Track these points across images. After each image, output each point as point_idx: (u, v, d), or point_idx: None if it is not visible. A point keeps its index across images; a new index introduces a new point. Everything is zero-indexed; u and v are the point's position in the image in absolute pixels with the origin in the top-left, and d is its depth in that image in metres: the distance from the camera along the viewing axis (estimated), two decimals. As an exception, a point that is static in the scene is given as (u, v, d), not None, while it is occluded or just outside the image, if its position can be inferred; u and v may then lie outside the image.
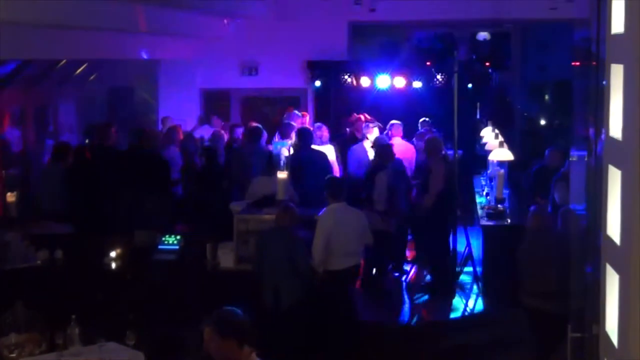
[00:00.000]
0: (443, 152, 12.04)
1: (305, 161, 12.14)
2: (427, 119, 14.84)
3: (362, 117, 14.54)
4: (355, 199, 11.06)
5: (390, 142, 12.76)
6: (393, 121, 13.94)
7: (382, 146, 11.98)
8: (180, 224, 11.75)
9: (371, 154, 12.76)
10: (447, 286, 11.46)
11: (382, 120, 14.61)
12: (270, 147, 13.30)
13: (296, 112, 15.35)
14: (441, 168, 11.50)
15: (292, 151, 12.64)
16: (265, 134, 13.49)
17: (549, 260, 8.29)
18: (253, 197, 10.61)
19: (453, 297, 11.35)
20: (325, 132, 13.73)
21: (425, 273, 12.06)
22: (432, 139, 12.02)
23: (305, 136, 12.48)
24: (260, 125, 13.48)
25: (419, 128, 14.55)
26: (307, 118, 15.16)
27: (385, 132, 13.71)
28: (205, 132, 15.30)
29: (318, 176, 11.69)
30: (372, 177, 11.37)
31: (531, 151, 17.12)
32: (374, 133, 13.29)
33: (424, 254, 12.23)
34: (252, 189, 10.87)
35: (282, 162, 11.14)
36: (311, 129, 13.44)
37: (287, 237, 8.77)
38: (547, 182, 11.03)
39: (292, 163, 12.13)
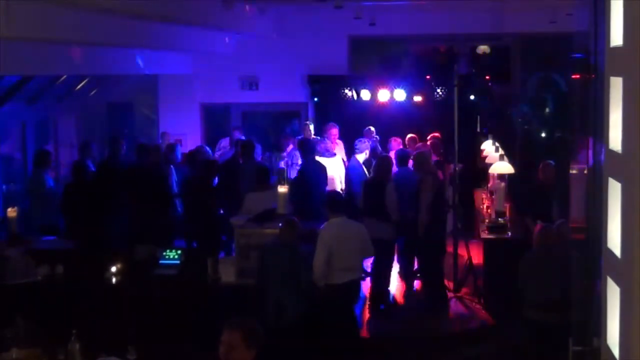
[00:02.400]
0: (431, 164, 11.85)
1: (307, 173, 12.17)
2: (436, 135, 14.67)
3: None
4: (355, 212, 11.07)
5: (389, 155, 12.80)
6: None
7: (382, 157, 11.93)
8: (180, 239, 11.79)
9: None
10: (440, 300, 11.43)
11: (383, 133, 14.63)
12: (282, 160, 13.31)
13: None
14: (428, 182, 11.39)
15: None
16: (258, 148, 13.49)
17: (551, 273, 8.30)
18: (248, 213, 10.57)
19: (447, 310, 11.31)
20: (331, 144, 13.68)
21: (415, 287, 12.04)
22: (419, 153, 11.89)
23: (306, 148, 12.50)
24: (251, 139, 13.48)
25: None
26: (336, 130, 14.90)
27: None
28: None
29: (317, 188, 11.75)
30: (378, 188, 11.25)
31: (532, 164, 17.11)
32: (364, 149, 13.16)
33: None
34: (246, 205, 10.85)
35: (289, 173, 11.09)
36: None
37: (289, 251, 8.77)
38: (542, 198, 11.00)
39: (295, 175, 12.19)
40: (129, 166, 12.73)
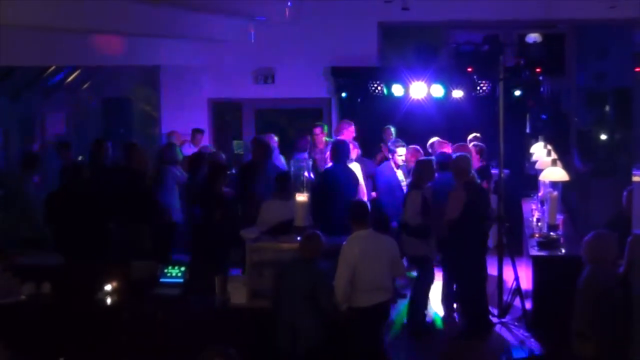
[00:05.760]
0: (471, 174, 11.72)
1: (335, 179, 12.18)
2: (477, 135, 14.61)
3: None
4: (384, 226, 11.08)
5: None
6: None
7: (419, 162, 11.89)
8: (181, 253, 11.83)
9: (399, 175, 12.80)
10: (483, 326, 11.38)
11: (418, 135, 14.57)
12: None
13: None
14: (460, 194, 11.25)
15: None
16: (275, 149, 13.51)
17: (587, 296, 8.05)
18: (265, 224, 10.60)
19: (490, 338, 11.28)
20: (355, 148, 13.67)
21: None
22: (457, 158, 11.70)
23: (338, 150, 12.56)
24: (267, 139, 13.46)
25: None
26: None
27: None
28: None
29: (342, 197, 11.75)
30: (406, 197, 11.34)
31: (589, 171, 17.08)
32: (399, 152, 13.20)
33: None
34: (263, 215, 10.89)
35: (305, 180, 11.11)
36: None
37: (309, 270, 8.74)
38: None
39: (319, 181, 12.19)
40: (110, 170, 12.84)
